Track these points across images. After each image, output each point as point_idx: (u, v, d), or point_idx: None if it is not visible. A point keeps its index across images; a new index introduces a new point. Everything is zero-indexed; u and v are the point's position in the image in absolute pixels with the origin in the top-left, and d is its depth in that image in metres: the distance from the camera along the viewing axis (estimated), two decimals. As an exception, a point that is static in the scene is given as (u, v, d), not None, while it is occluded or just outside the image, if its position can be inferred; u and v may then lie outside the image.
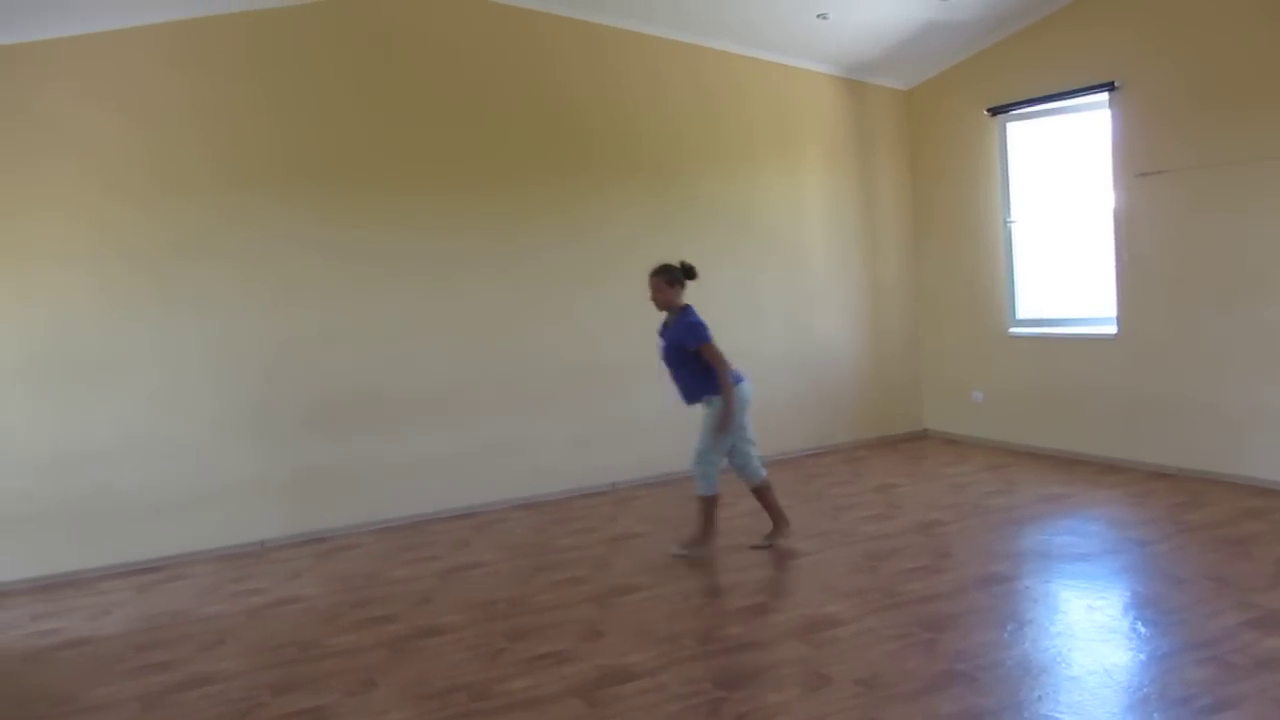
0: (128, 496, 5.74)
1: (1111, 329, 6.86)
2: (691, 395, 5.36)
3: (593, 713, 3.50)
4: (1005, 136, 7.55)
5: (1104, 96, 6.69)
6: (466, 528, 6.22)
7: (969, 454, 7.57)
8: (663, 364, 5.37)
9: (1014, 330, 7.62)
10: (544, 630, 4.34)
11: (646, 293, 7.04)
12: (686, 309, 5.29)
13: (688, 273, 5.32)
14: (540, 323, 6.79)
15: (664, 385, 7.14)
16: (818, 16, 6.73)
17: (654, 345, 7.12)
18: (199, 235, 5.86)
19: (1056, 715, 3.26)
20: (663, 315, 5.41)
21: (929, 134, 8.15)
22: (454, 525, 6.29)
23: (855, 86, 7.99)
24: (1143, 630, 3.97)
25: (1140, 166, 6.50)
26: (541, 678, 3.82)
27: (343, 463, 6.23)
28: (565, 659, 4.00)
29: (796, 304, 7.82)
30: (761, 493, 5.42)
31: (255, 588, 5.25)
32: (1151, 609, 4.19)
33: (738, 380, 5.23)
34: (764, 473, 5.39)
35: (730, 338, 7.39)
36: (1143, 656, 3.72)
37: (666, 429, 7.22)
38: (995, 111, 7.48)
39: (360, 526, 6.28)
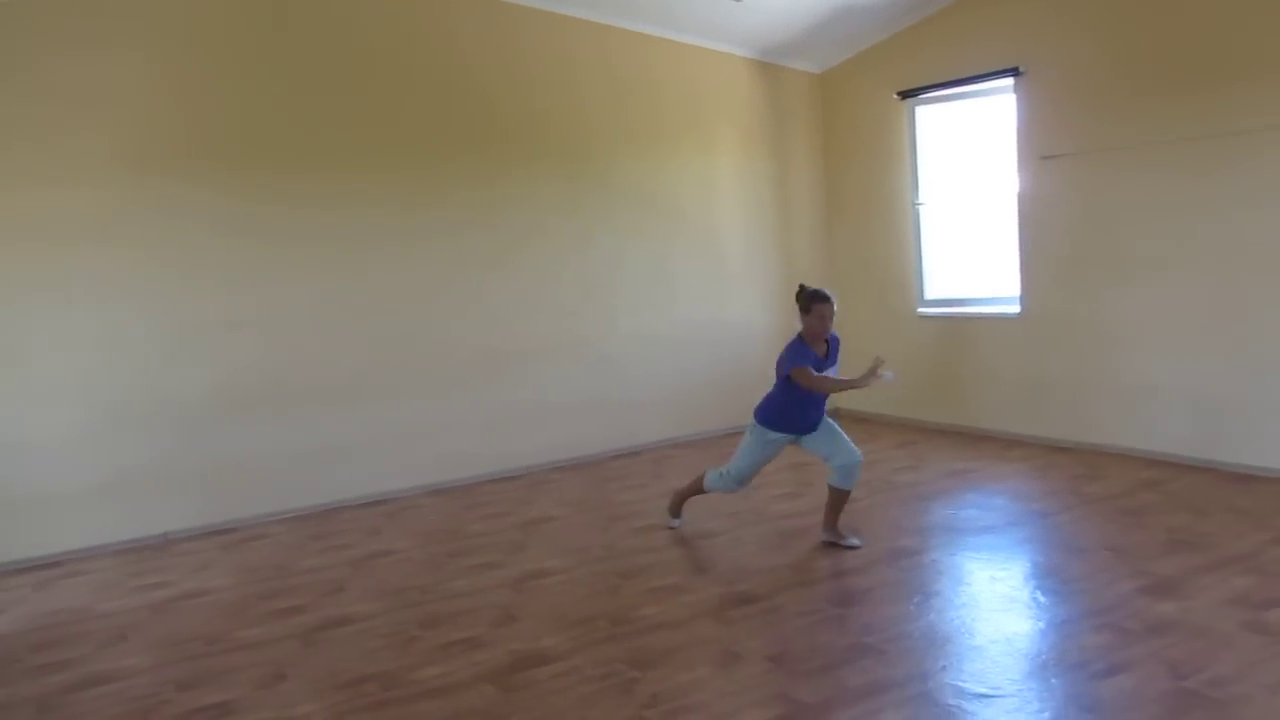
0: (22, 490, 5.50)
1: (1015, 308, 7.04)
2: (820, 418, 4.97)
3: (506, 698, 3.48)
4: (914, 120, 7.68)
5: (1009, 81, 6.84)
6: (378, 515, 6.13)
7: (879, 432, 7.70)
8: (815, 399, 4.86)
9: (922, 310, 7.77)
10: (457, 617, 4.30)
11: (558, 274, 7.07)
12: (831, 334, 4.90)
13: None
14: (451, 306, 6.71)
15: (575, 368, 7.18)
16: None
17: (564, 326, 7.14)
18: (94, 219, 5.62)
19: (960, 684, 3.34)
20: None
21: (841, 117, 8.24)
22: (365, 513, 6.20)
23: (768, 69, 8.03)
24: (1043, 599, 4.09)
25: (1043, 150, 6.66)
26: (454, 664, 3.79)
27: (249, 451, 6.08)
28: (478, 645, 3.97)
29: (710, 285, 7.86)
30: (694, 490, 5.38)
31: (159, 581, 5.11)
32: (1051, 578, 4.33)
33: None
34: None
35: (644, 319, 7.48)
36: (1042, 624, 3.84)
37: (579, 412, 7.24)
38: (905, 95, 7.59)
39: (269, 516, 6.15)
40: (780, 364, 4.87)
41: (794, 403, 4.84)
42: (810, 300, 4.78)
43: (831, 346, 4.90)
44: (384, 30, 6.38)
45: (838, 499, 4.94)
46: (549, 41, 6.95)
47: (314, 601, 4.63)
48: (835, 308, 4.76)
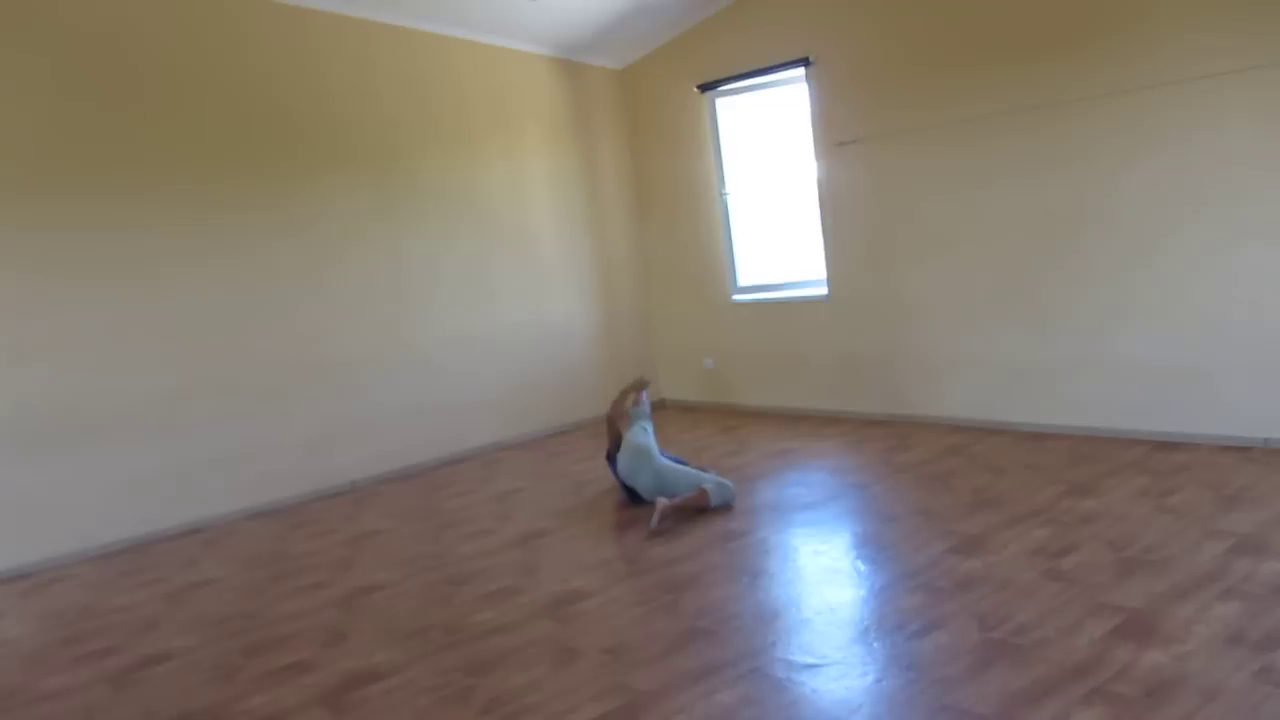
0: None
1: (824, 291, 7.31)
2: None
3: (338, 719, 3.38)
4: (715, 112, 7.86)
5: (801, 71, 7.09)
6: (194, 544, 5.84)
7: (704, 419, 7.87)
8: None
9: (736, 297, 7.98)
10: (284, 641, 4.15)
11: (373, 281, 6.90)
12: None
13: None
14: (261, 321, 6.44)
15: (397, 376, 7.04)
16: (527, -2, 6.74)
17: (382, 335, 6.98)
18: None
19: (789, 657, 3.45)
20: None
21: (644, 112, 8.36)
22: (180, 543, 5.89)
23: (570, 66, 8.06)
24: (863, 568, 4.27)
25: (836, 136, 6.94)
26: (282, 691, 3.65)
27: (46, 488, 5.66)
28: (308, 668, 3.84)
29: (528, 285, 7.84)
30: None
31: (-53, 637, 4.71)
32: (869, 547, 4.52)
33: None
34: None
35: (464, 323, 7.40)
36: (863, 592, 4.00)
37: (403, 422, 7.09)
38: (704, 88, 7.76)
39: (72, 556, 5.75)
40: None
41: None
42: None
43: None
44: (168, 39, 6.03)
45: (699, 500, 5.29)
46: (347, 46, 6.76)
47: (126, 641, 4.36)
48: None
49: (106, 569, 5.54)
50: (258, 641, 4.18)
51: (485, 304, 7.57)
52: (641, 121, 8.40)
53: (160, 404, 6.04)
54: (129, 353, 5.94)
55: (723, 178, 7.91)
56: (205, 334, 6.21)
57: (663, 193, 8.37)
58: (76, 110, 5.74)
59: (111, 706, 3.71)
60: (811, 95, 7.05)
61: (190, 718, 3.53)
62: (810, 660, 3.41)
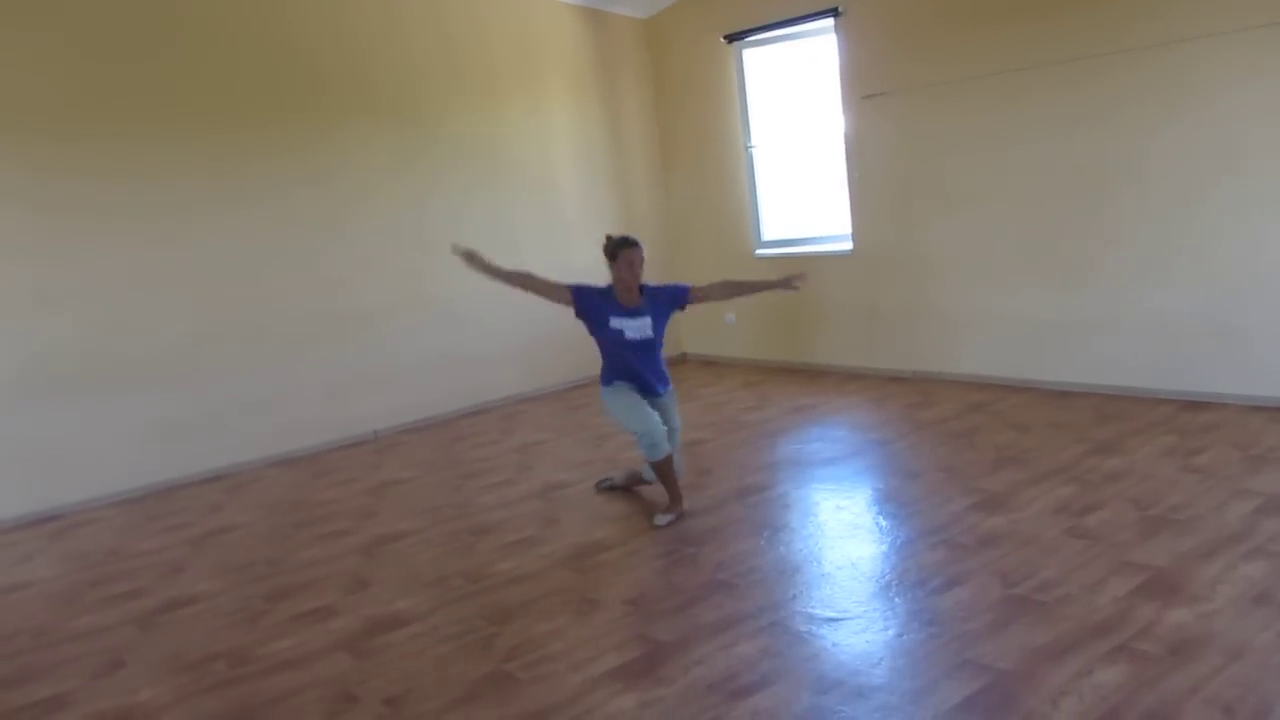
0: None
1: (848, 245, 7.24)
2: (664, 376, 4.72)
3: (360, 664, 3.41)
4: (742, 63, 7.75)
5: (830, 22, 6.97)
6: (218, 490, 5.89)
7: (725, 374, 7.84)
8: (634, 353, 4.60)
9: (760, 252, 7.91)
10: (307, 587, 4.19)
11: (396, 231, 6.87)
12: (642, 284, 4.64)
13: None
14: (283, 270, 6.44)
15: (419, 327, 7.03)
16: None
17: (404, 285, 6.96)
18: None
19: (809, 610, 3.45)
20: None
21: (669, 62, 8.25)
22: (204, 489, 5.95)
23: (596, 16, 7.95)
24: (884, 523, 4.26)
25: (864, 89, 6.84)
26: (305, 635, 3.69)
27: (73, 432, 5.72)
28: (330, 613, 3.87)
29: (551, 237, 7.79)
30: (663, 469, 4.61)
31: (-23, 578, 4.78)
32: (891, 503, 4.51)
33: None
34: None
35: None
36: (884, 547, 3.99)
37: (425, 372, 7.10)
38: (731, 39, 7.65)
39: (99, 500, 5.82)
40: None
41: (608, 355, 4.70)
42: (617, 248, 4.59)
43: (662, 297, 4.67)
44: (189, -20, 6.00)
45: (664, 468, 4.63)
46: (370, -9, 6.70)
47: (152, 584, 4.42)
48: (643, 254, 4.57)
49: (133, 513, 5.60)
50: (281, 587, 4.22)
51: (508, 255, 7.42)
52: (667, 72, 8.30)
53: (184, 350, 6.07)
54: (153, 299, 5.96)
55: (748, 130, 7.81)
56: (229, 281, 6.22)
57: (688, 145, 8.28)
58: (102, 57, 5.71)
59: (138, 647, 3.76)
60: (840, 47, 6.93)
61: (215, 660, 3.57)
62: (831, 614, 3.41)
